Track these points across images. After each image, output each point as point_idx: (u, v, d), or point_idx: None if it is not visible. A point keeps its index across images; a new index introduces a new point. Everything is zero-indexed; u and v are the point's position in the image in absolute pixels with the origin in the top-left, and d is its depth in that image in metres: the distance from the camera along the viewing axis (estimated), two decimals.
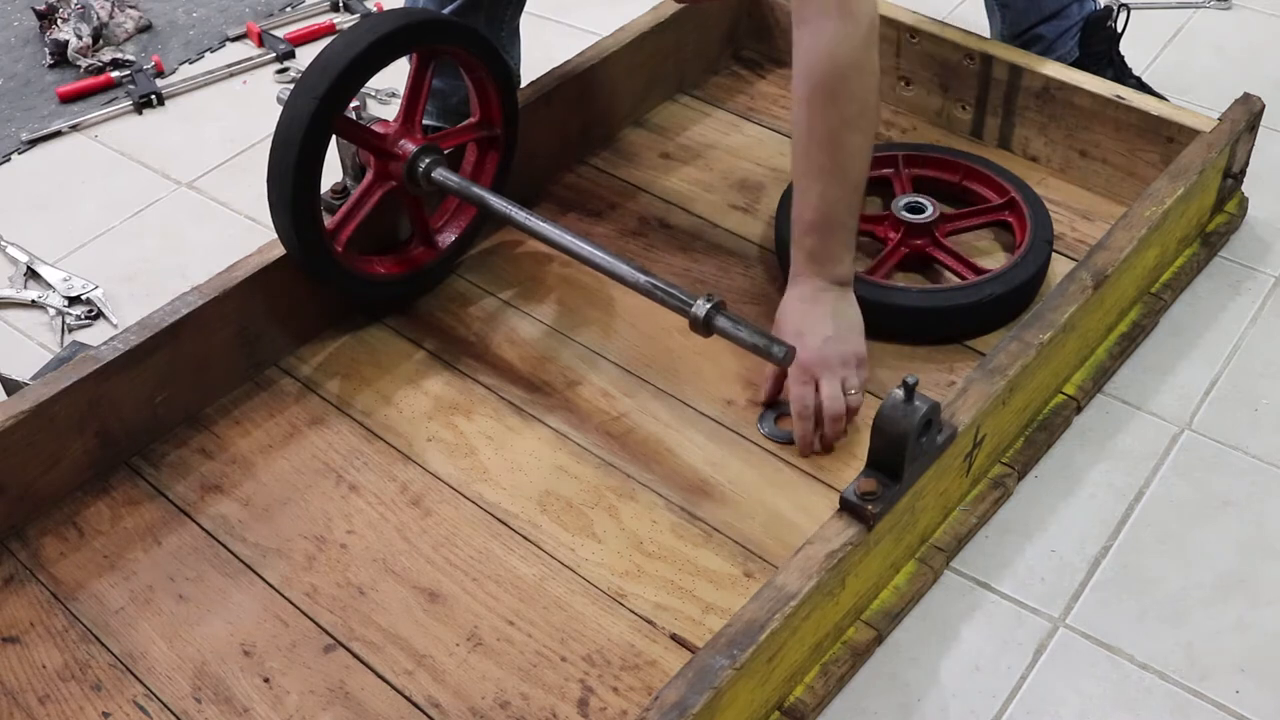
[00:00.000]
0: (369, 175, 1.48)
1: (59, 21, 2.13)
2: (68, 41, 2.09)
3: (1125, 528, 1.34)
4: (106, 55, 2.09)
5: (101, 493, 1.37)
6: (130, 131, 1.96)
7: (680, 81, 1.90)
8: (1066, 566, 1.31)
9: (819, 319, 1.39)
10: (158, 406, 1.40)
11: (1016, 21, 1.79)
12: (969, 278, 1.53)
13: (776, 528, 1.32)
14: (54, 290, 1.66)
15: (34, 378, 1.48)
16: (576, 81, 1.72)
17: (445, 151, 1.49)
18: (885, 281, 1.52)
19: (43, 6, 2.14)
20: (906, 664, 1.23)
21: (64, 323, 1.62)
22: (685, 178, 1.76)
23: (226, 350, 1.44)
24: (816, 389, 1.37)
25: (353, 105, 1.76)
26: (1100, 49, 1.80)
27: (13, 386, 1.46)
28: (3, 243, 1.75)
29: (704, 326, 1.30)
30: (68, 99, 2.02)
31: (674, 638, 1.23)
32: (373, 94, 1.97)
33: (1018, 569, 1.31)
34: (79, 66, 2.08)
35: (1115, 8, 1.80)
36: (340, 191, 1.51)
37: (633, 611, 1.25)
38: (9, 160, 1.91)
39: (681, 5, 1.81)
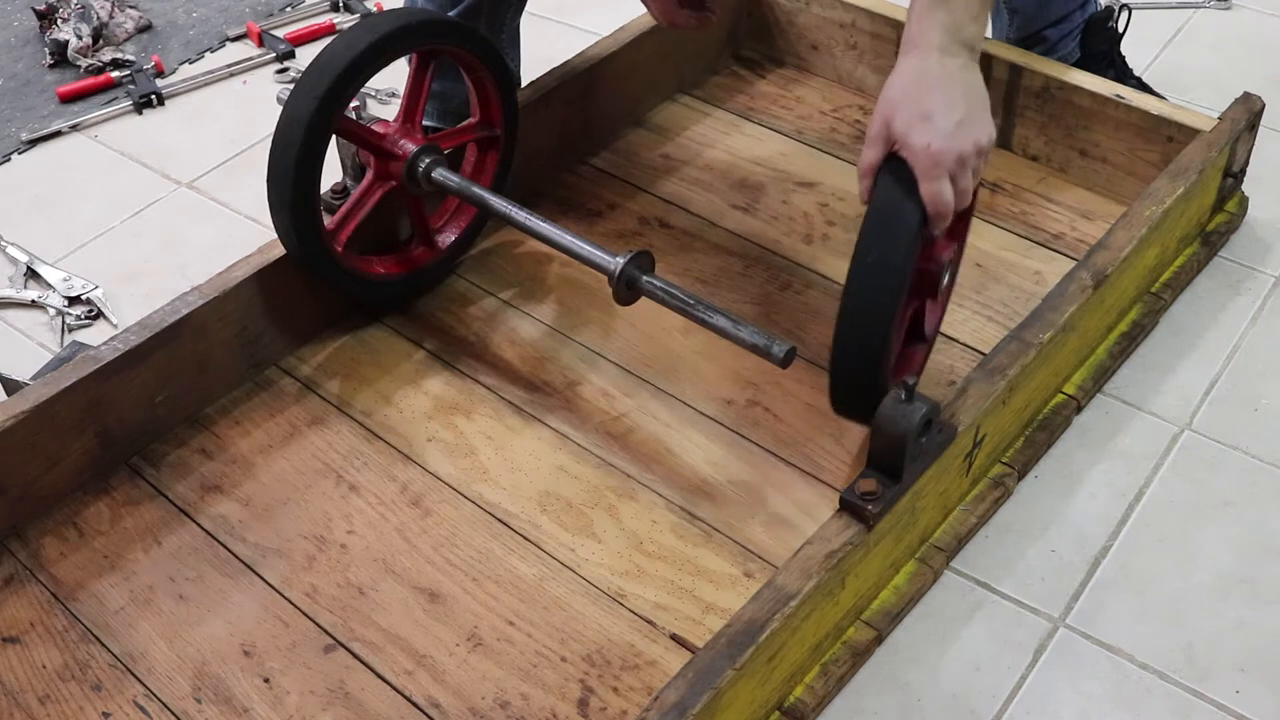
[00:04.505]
0: (369, 175, 1.48)
1: (59, 21, 2.13)
2: (68, 41, 2.09)
3: (1125, 528, 1.34)
4: (106, 55, 2.09)
5: (101, 493, 1.37)
6: (130, 131, 1.96)
7: (680, 81, 1.90)
8: (1066, 566, 1.31)
9: (948, 96, 1.16)
10: (158, 406, 1.40)
11: (1025, 25, 1.79)
12: None
13: (776, 528, 1.32)
14: (54, 290, 1.66)
15: (34, 378, 1.48)
16: (576, 81, 1.72)
17: (445, 152, 1.49)
18: None
19: (43, 6, 2.14)
20: (906, 664, 1.23)
21: (64, 323, 1.62)
22: (685, 178, 1.76)
23: (226, 350, 1.44)
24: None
25: (353, 105, 1.76)
26: (1102, 49, 1.80)
27: (13, 386, 1.46)
28: (3, 243, 1.75)
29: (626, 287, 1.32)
30: (68, 99, 2.02)
31: (674, 638, 1.23)
32: (373, 94, 1.97)
33: (1018, 569, 1.31)
34: (79, 66, 2.08)
35: (1116, 8, 1.80)
36: (340, 191, 1.51)
37: (633, 611, 1.25)
38: (9, 160, 1.91)
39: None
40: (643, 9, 1.83)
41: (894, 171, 1.17)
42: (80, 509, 1.35)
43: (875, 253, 1.16)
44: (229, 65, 2.07)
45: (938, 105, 1.14)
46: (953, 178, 1.15)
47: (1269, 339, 1.54)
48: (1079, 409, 1.45)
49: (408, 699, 1.19)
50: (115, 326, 1.60)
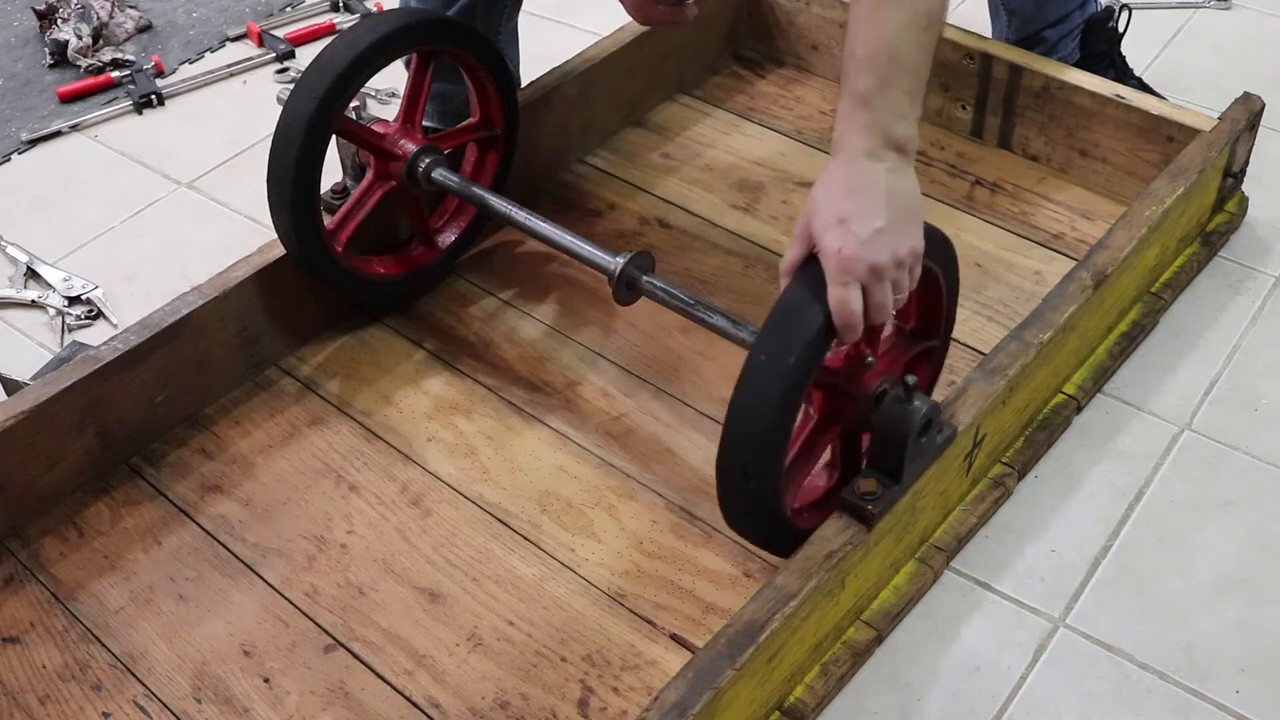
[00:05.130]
0: (369, 175, 1.48)
1: (59, 21, 2.13)
2: (68, 41, 2.09)
3: (1125, 528, 1.34)
4: (106, 55, 2.09)
5: (101, 493, 1.37)
6: (130, 131, 1.96)
7: (680, 81, 1.90)
8: (1066, 566, 1.31)
9: (868, 201, 1.09)
10: (158, 406, 1.40)
11: (1024, 26, 1.79)
12: None
13: None
14: (54, 290, 1.66)
15: (34, 378, 1.48)
16: (576, 81, 1.72)
17: (445, 152, 1.49)
18: None
19: (43, 6, 2.14)
20: (906, 664, 1.23)
21: (64, 323, 1.62)
22: (685, 178, 1.76)
23: (226, 350, 1.44)
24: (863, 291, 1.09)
25: (353, 105, 1.76)
26: (1102, 49, 1.80)
27: (13, 386, 1.46)
28: (3, 243, 1.75)
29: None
30: (68, 99, 2.02)
31: (674, 638, 1.23)
32: (373, 94, 1.97)
33: (1018, 569, 1.31)
34: (79, 66, 2.08)
35: (1116, 8, 1.80)
36: (340, 191, 1.51)
37: (633, 611, 1.25)
38: (9, 160, 1.91)
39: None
40: None
41: (808, 273, 1.10)
42: (80, 509, 1.35)
43: (766, 351, 1.09)
44: (229, 65, 2.07)
45: (855, 211, 1.08)
46: (866, 288, 1.09)
47: (1269, 339, 1.54)
48: (1079, 409, 1.45)
49: (408, 699, 1.19)
50: (115, 326, 1.60)
